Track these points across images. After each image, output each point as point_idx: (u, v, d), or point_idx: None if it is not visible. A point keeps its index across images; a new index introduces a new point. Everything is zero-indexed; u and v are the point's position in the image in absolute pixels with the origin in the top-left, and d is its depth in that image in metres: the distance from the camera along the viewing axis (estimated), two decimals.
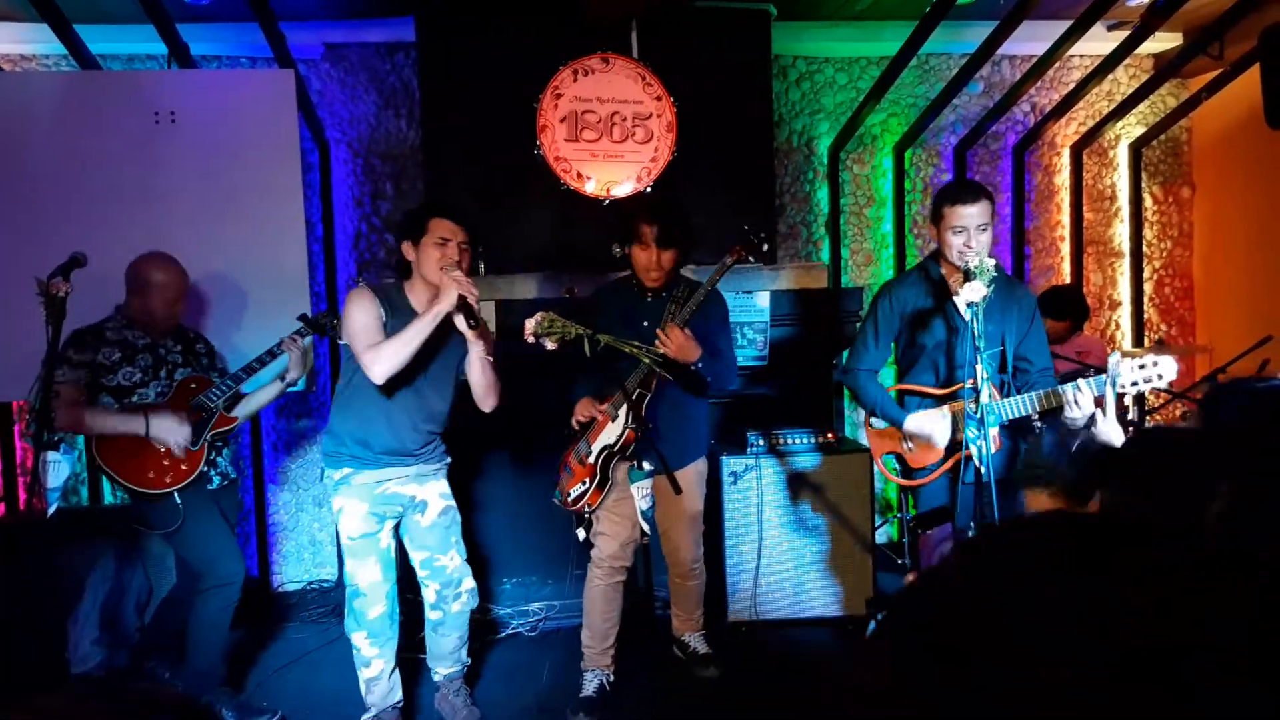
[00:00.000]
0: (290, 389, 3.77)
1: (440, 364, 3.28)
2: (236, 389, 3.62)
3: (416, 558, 3.43)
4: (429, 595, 3.45)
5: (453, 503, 3.46)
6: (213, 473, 3.61)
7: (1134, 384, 2.92)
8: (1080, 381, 3.01)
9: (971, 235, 3.14)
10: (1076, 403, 2.99)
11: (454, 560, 3.44)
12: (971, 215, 3.14)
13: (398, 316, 3.17)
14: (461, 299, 3.06)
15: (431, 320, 3.06)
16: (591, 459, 3.48)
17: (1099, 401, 2.95)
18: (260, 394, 3.74)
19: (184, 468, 3.47)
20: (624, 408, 3.39)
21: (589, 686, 3.58)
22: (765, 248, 3.41)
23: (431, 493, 3.40)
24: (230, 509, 3.74)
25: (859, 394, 3.49)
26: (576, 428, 3.54)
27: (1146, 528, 0.65)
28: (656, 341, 3.29)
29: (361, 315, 3.14)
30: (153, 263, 3.55)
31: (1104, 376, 2.97)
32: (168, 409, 3.46)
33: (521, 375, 3.71)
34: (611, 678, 3.63)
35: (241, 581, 3.56)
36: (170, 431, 3.42)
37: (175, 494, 3.44)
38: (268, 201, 4.27)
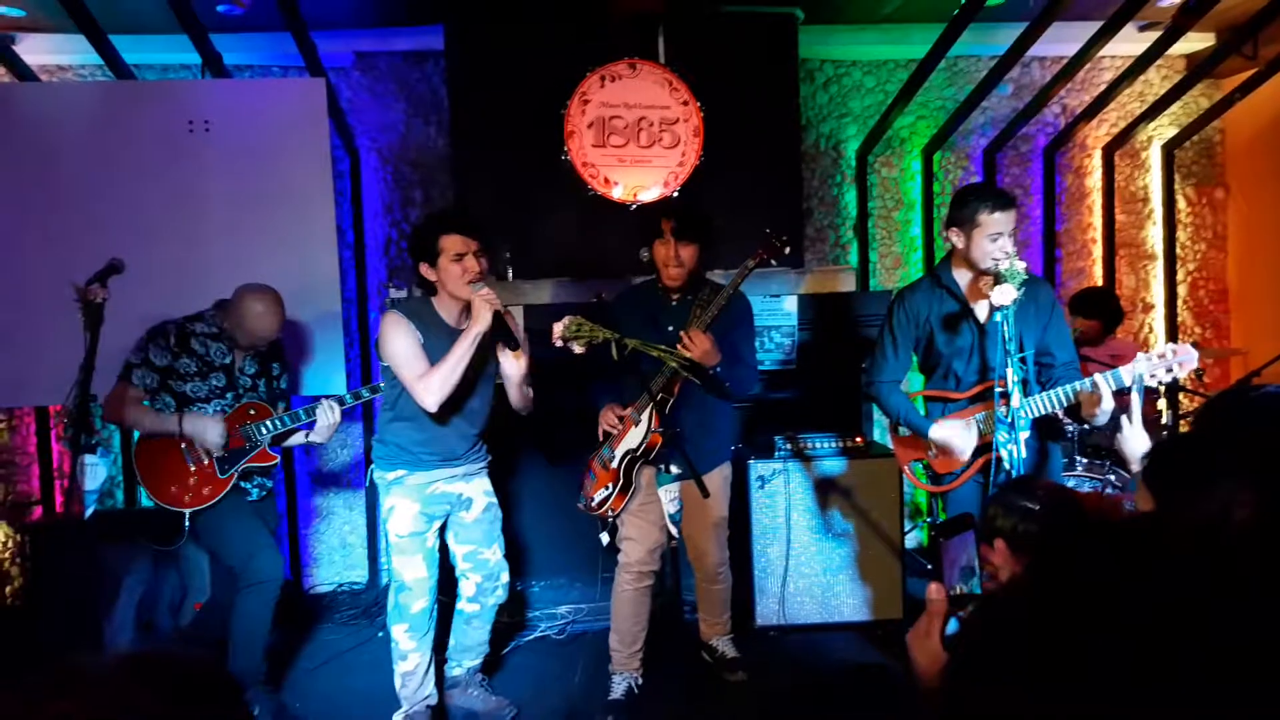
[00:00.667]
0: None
1: (478, 373, 3.34)
2: (289, 427, 3.62)
3: (460, 551, 3.50)
4: (468, 588, 3.52)
5: (495, 499, 3.55)
6: (249, 485, 3.65)
7: (1153, 374, 2.89)
8: (1098, 376, 2.97)
9: (1006, 240, 3.13)
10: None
11: (496, 554, 3.54)
12: (1007, 221, 3.14)
13: (431, 334, 3.24)
14: (496, 315, 3.12)
15: (472, 343, 3.14)
16: (615, 464, 3.49)
17: (1121, 400, 2.90)
18: (292, 436, 3.77)
19: (205, 492, 3.51)
20: (647, 411, 3.40)
21: (617, 689, 3.59)
22: (788, 250, 3.40)
23: (476, 490, 3.49)
24: (269, 517, 3.79)
25: (883, 405, 3.48)
26: (603, 437, 3.56)
27: (1184, 535, 0.65)
28: (679, 345, 3.30)
29: (402, 344, 3.19)
30: (255, 295, 3.51)
31: (1121, 370, 2.92)
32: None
33: (550, 379, 3.73)
34: (640, 681, 3.63)
35: (280, 581, 3.59)
36: (205, 429, 3.46)
37: (186, 515, 3.48)
38: (299, 208, 4.32)
